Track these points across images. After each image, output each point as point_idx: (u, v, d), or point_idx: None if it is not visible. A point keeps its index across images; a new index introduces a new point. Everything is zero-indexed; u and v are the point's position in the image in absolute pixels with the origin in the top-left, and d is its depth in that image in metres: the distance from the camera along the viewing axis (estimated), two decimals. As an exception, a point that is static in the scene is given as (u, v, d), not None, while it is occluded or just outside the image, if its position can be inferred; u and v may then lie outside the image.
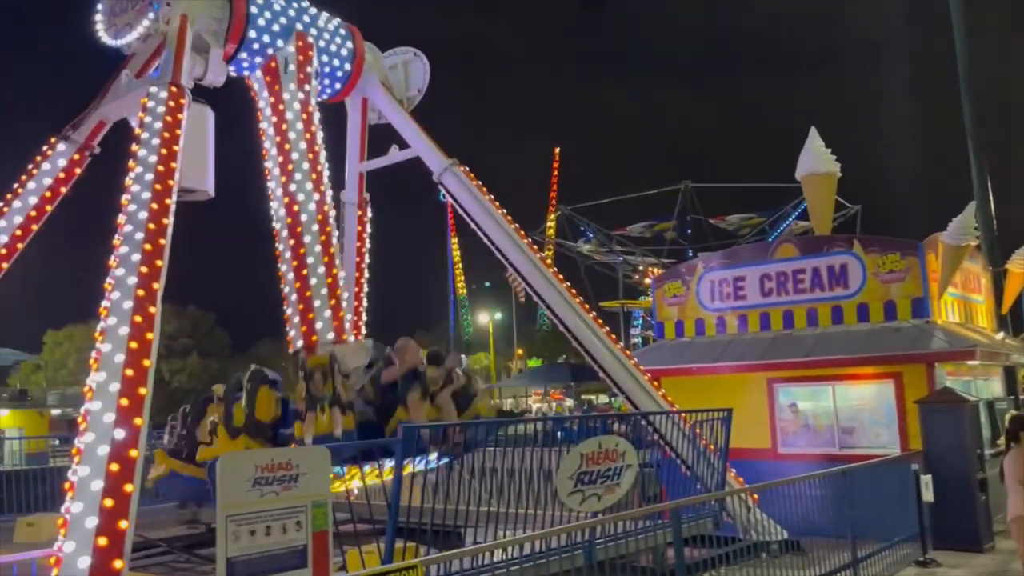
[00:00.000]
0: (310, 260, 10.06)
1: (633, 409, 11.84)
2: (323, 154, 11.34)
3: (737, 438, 11.73)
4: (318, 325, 9.67)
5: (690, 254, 36.64)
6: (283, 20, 11.53)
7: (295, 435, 8.64)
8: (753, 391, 14.69)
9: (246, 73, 11.60)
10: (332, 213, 10.85)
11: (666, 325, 16.90)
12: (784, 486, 9.63)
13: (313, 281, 9.90)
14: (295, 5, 11.92)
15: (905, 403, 13.42)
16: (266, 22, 11.27)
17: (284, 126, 11.03)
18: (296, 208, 10.38)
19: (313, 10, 12.24)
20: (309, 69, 11.73)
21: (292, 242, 10.21)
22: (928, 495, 11.36)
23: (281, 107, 11.17)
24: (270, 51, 11.36)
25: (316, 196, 10.63)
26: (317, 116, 11.68)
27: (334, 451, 5.97)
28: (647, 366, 13.17)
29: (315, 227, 10.36)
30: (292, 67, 11.48)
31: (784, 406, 14.75)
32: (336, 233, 10.89)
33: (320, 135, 11.46)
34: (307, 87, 11.61)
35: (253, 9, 11.10)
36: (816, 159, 16.61)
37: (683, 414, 11.37)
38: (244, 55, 11.23)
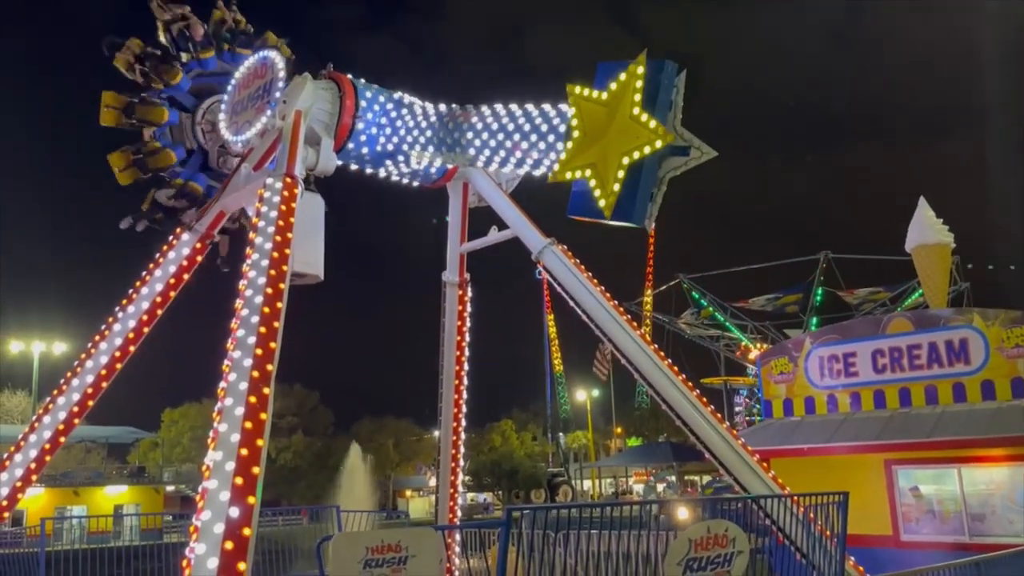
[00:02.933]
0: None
1: (741, 492, 11.38)
2: None
3: (854, 524, 11.10)
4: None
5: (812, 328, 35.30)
6: (389, 114, 12.11)
7: None
8: (870, 473, 13.95)
9: (356, 163, 12.17)
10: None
11: (773, 403, 16.35)
12: (910, 577, 9.02)
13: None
14: (395, 98, 12.52)
15: (1041, 488, 12.47)
16: (373, 115, 11.86)
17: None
18: None
19: (417, 101, 12.81)
20: None
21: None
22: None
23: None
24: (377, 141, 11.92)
25: None
26: None
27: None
28: (755, 446, 12.72)
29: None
30: None
31: (905, 490, 13.93)
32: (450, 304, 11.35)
33: None
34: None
35: (363, 103, 11.71)
36: (926, 230, 16.06)
37: (795, 497, 10.85)
38: (352, 146, 11.81)
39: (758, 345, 41.58)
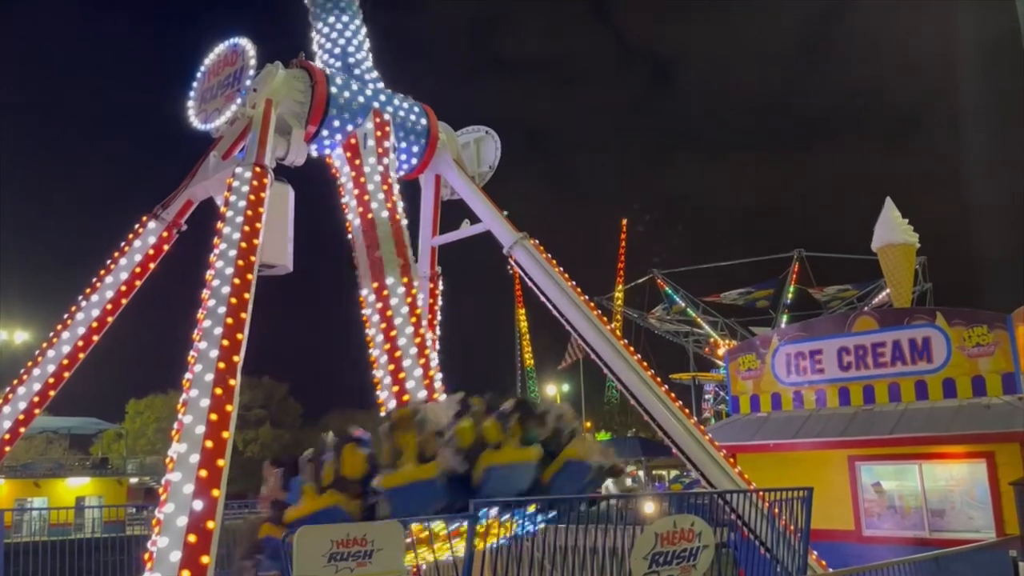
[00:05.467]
0: (397, 321, 10.25)
1: (708, 486, 11.49)
2: (404, 222, 11.65)
3: (818, 519, 11.23)
4: (409, 384, 9.78)
5: (782, 324, 35.78)
6: (361, 99, 12.02)
7: (381, 485, 8.44)
8: (834, 469, 14.14)
9: (327, 152, 12.07)
10: (416, 279, 11.11)
11: (741, 399, 16.51)
12: (871, 571, 9.16)
13: (402, 341, 10.05)
14: (371, 86, 12.42)
15: (999, 484, 12.73)
16: (345, 101, 11.76)
17: (366, 197, 11.41)
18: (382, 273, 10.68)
19: (389, 91, 12.73)
20: (387, 143, 12.15)
21: (379, 306, 10.44)
22: (1029, 584, 10.64)
23: (362, 180, 11.57)
24: (349, 128, 11.82)
25: (400, 261, 10.91)
26: (397, 188, 12.04)
27: (424, 500, 5.87)
28: (722, 442, 12.84)
29: (401, 290, 10.59)
30: (371, 142, 11.90)
31: (867, 486, 14.14)
32: (421, 296, 11.13)
33: (400, 205, 11.82)
34: (386, 160, 12.01)
35: (333, 90, 11.60)
36: (892, 230, 16.30)
37: (761, 493, 10.97)
38: (325, 134, 11.71)
39: (727, 341, 41.97)
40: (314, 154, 12.04)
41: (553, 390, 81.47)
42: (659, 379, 12.55)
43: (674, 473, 46.62)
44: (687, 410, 12.72)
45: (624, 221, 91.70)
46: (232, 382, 8.15)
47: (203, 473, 7.41)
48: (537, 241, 13.01)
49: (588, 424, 79.67)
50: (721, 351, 40.46)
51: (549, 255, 12.95)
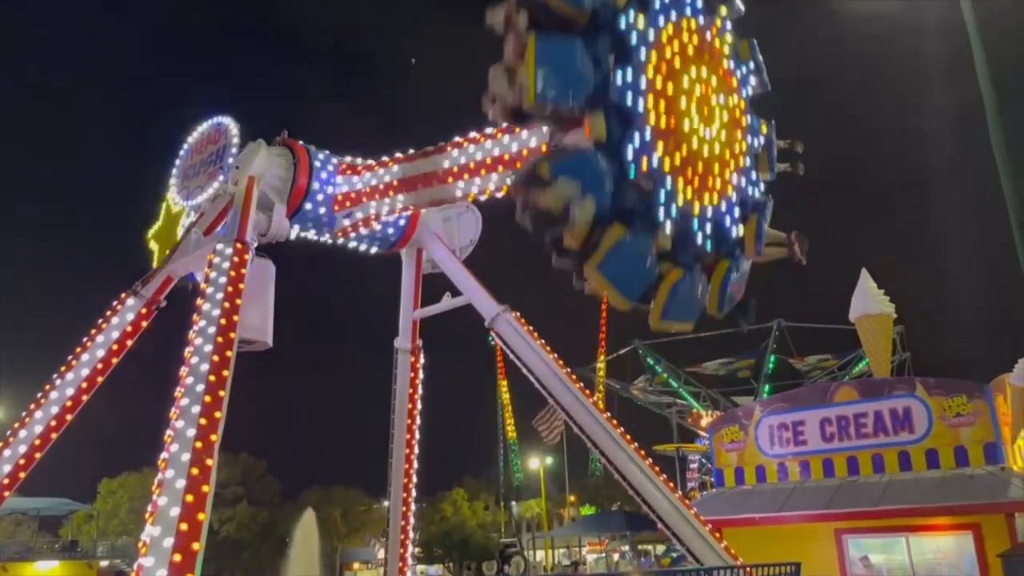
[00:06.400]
0: None
1: (695, 562, 11.29)
2: None
3: (807, 594, 11.05)
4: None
5: (764, 395, 35.71)
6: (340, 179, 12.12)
7: None
8: (821, 543, 13.98)
9: (310, 228, 12.09)
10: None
11: (725, 472, 16.37)
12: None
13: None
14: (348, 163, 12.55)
15: (986, 556, 12.63)
16: (326, 180, 11.86)
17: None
18: None
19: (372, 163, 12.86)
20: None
21: None
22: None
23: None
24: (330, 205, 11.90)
25: None
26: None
27: None
28: (707, 516, 12.67)
29: None
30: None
31: (855, 559, 13.98)
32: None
33: None
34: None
35: (316, 165, 11.72)
36: (868, 300, 16.51)
37: (748, 569, 10.80)
38: (307, 209, 11.77)
39: (710, 412, 41.83)
40: (296, 230, 12.09)
41: (536, 463, 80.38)
42: (643, 452, 12.44)
43: (660, 548, 45.78)
44: (671, 483, 12.58)
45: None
46: (209, 462, 7.99)
47: (177, 558, 7.19)
48: (518, 313, 13.03)
49: (572, 498, 78.49)
50: (704, 422, 40.32)
51: (530, 327, 12.96)
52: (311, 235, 12.17)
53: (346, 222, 12.07)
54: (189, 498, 7.60)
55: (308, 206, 11.70)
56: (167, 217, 12.18)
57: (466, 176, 10.45)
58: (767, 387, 39.48)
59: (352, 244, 12.74)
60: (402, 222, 13.25)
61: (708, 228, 8.92)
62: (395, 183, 11.49)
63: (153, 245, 12.43)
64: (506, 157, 10.07)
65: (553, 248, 8.03)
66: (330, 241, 12.58)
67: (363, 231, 12.41)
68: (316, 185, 11.67)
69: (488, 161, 10.19)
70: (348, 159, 12.56)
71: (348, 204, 11.89)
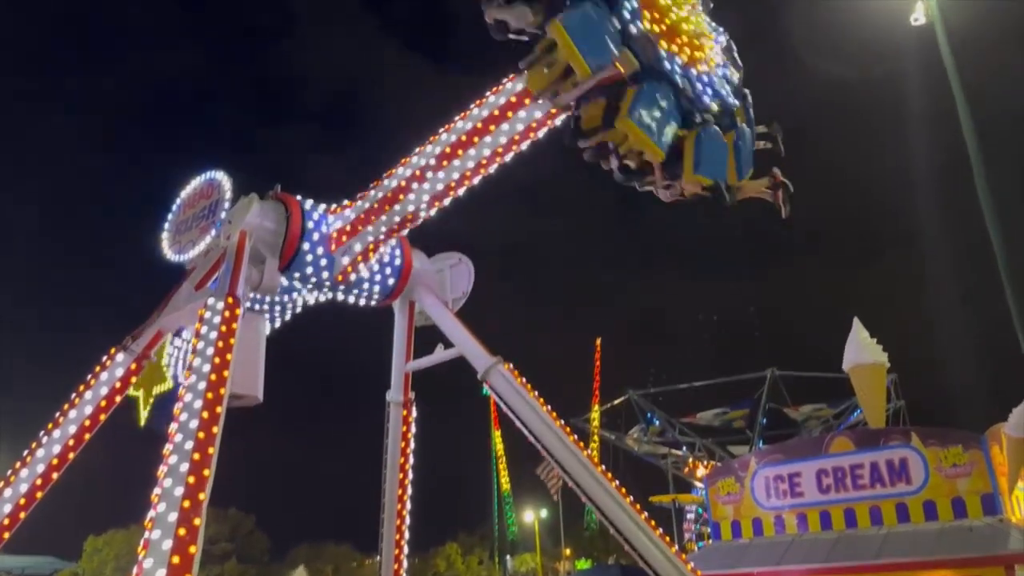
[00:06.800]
0: None
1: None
2: None
3: (808, 653, 10.82)
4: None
5: (760, 445, 35.46)
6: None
7: None
8: (821, 598, 13.74)
9: (309, 276, 12.04)
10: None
11: (722, 525, 16.17)
12: None
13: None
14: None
15: (989, 610, 12.41)
16: (319, 235, 11.87)
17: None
18: None
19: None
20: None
21: None
22: None
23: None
24: (323, 261, 11.89)
25: None
26: None
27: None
28: (705, 570, 12.48)
29: None
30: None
31: (856, 615, 13.72)
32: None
33: None
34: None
35: (309, 224, 11.73)
36: (861, 350, 16.51)
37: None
38: (297, 265, 11.75)
39: (705, 462, 41.46)
40: (297, 283, 12.05)
41: (531, 516, 79.25)
42: (638, 505, 12.27)
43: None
44: (668, 537, 12.39)
45: (599, 340, 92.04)
46: (197, 521, 7.85)
47: (161, 622, 7.02)
48: (512, 365, 12.95)
49: (568, 552, 77.27)
50: (700, 473, 39.94)
51: (524, 379, 12.87)
52: (310, 286, 12.14)
53: (345, 260, 12.00)
54: (176, 560, 7.46)
55: (305, 246, 11.59)
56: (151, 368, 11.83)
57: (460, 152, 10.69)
58: (761, 437, 39.24)
59: (344, 296, 12.72)
60: (395, 274, 13.24)
61: (710, 91, 9.66)
62: (388, 195, 11.56)
63: (135, 392, 11.96)
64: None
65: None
66: (329, 294, 12.57)
67: (363, 272, 12.31)
68: (310, 225, 11.63)
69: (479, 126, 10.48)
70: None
71: (344, 238, 11.88)
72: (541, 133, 10.50)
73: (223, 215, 11.16)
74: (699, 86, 9.53)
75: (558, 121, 10.16)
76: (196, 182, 12.07)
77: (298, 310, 13.01)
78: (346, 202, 12.48)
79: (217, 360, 9.36)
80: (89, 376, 11.51)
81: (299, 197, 12.20)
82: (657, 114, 8.97)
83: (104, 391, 11.39)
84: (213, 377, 9.18)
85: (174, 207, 12.22)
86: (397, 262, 13.28)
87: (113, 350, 11.68)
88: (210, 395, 8.97)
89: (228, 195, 11.33)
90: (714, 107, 9.65)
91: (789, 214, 10.09)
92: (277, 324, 12.71)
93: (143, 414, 11.73)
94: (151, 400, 11.68)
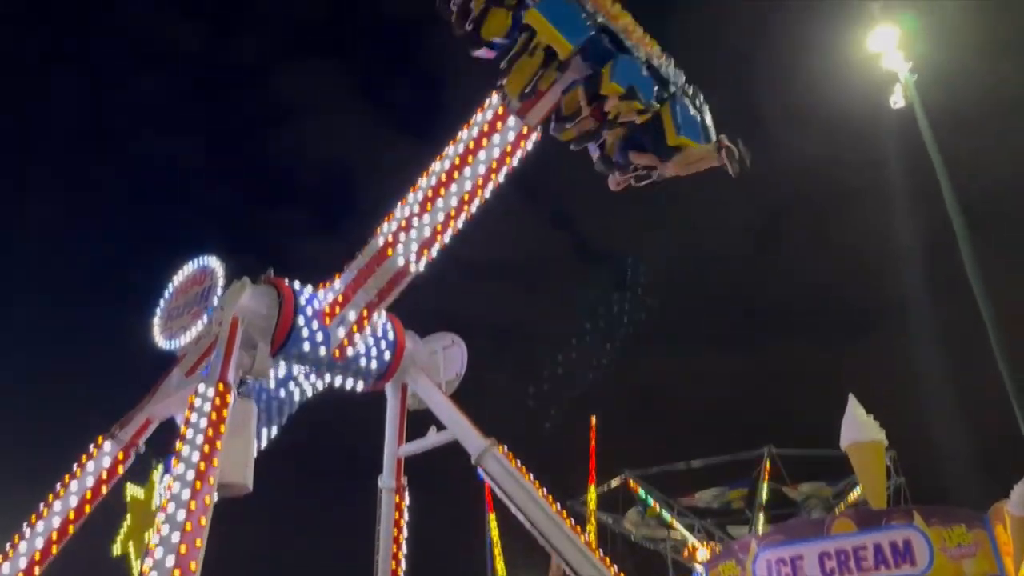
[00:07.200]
0: None
1: None
2: None
3: None
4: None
5: (760, 525, 34.77)
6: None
7: None
8: None
9: (307, 355, 11.94)
10: None
11: (725, 612, 15.73)
12: None
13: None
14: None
15: None
16: (312, 310, 11.83)
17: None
18: None
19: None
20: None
21: None
22: None
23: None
24: (319, 338, 11.84)
25: None
26: None
27: None
28: (708, 662, 12.07)
29: None
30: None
31: None
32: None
33: None
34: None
35: (301, 301, 11.73)
36: (858, 428, 16.39)
37: None
38: (289, 349, 11.70)
39: (705, 544, 40.59)
40: (294, 365, 12.00)
41: (528, 603, 76.89)
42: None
43: None
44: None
45: (593, 419, 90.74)
46: (182, 618, 7.60)
47: None
48: (506, 448, 12.78)
49: (567, 640, 74.61)
50: (700, 555, 39.09)
51: (519, 461, 12.68)
52: (307, 367, 12.09)
53: (341, 332, 11.93)
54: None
55: (300, 321, 11.48)
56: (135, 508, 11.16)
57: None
58: (762, 516, 38.54)
59: (341, 380, 12.67)
60: (387, 357, 13.17)
61: (665, 67, 10.87)
62: (376, 253, 11.81)
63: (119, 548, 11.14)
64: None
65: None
66: (327, 377, 12.51)
67: (359, 345, 12.20)
68: (303, 302, 11.59)
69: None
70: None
71: (338, 309, 11.85)
72: (515, 160, 11.32)
73: (215, 301, 11.15)
74: (654, 60, 10.84)
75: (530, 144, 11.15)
76: (189, 268, 12.10)
77: (294, 410, 12.85)
78: (335, 275, 12.55)
79: (206, 448, 9.23)
80: (75, 465, 11.29)
81: (288, 281, 12.22)
82: (638, 77, 10.23)
83: (90, 481, 11.14)
84: (202, 466, 9.02)
85: (166, 293, 12.22)
86: (391, 336, 13.25)
87: (100, 438, 11.48)
88: (199, 484, 8.81)
89: (221, 281, 11.34)
90: (681, 78, 10.92)
91: (738, 172, 10.75)
92: (275, 431, 12.54)
93: (135, 571, 10.04)
94: (144, 554, 9.25)
